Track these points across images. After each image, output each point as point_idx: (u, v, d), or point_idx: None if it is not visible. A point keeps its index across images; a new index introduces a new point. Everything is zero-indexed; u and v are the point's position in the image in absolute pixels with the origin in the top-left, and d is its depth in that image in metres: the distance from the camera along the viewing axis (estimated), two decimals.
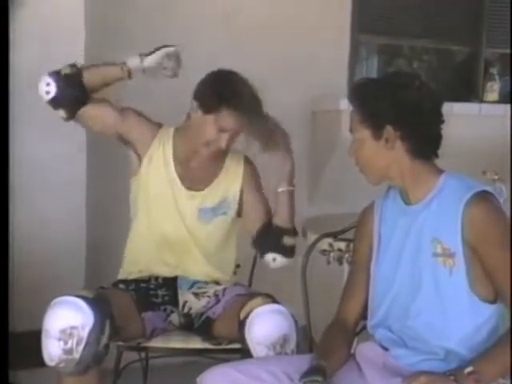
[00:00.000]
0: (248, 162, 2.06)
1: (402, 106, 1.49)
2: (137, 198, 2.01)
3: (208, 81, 1.92)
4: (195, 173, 1.99)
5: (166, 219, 1.98)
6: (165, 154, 1.98)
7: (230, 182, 2.01)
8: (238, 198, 2.02)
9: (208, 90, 1.90)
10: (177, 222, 1.97)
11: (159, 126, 2.03)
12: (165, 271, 2.01)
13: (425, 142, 1.52)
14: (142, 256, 2.02)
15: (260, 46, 3.10)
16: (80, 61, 2.54)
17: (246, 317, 1.77)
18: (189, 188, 1.98)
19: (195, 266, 2.00)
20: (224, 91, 1.86)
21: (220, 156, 2.00)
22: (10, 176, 2.19)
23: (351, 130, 1.57)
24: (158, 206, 1.98)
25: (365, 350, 1.59)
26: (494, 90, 3.49)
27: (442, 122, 1.53)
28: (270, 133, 1.91)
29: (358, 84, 1.63)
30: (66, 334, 1.68)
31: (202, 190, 1.99)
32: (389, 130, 1.49)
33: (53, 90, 1.91)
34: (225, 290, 2.00)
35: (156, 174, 1.97)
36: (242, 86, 1.90)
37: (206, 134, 1.89)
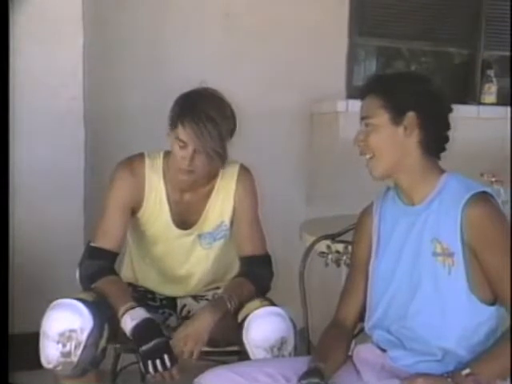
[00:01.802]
0: (242, 175, 1.93)
1: (426, 95, 1.51)
2: (136, 231, 1.97)
3: (174, 101, 1.85)
4: (189, 202, 1.91)
5: (164, 257, 1.95)
6: (158, 194, 1.90)
7: (223, 203, 1.92)
8: (231, 218, 1.94)
9: (172, 107, 1.84)
10: (176, 258, 1.94)
11: (141, 162, 1.90)
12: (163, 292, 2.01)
13: (437, 137, 1.53)
14: (140, 279, 2.01)
15: (258, 47, 3.11)
16: (78, 60, 2.57)
17: (244, 320, 1.76)
18: (183, 226, 1.90)
19: (196, 287, 2.00)
20: (180, 105, 1.81)
21: (212, 172, 1.90)
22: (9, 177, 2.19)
23: (364, 117, 1.54)
24: (156, 244, 1.94)
25: (362, 352, 1.59)
26: (491, 92, 3.49)
27: (450, 126, 1.55)
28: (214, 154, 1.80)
29: (379, 74, 1.64)
30: (65, 336, 1.67)
31: (198, 220, 1.92)
32: (411, 116, 1.49)
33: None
34: None
35: (153, 216, 1.91)
36: (204, 102, 1.79)
37: (175, 155, 1.80)
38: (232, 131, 1.83)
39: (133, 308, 1.74)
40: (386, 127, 1.51)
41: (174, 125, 1.80)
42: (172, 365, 1.66)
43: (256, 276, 1.88)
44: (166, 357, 1.66)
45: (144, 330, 1.70)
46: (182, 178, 1.83)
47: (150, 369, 1.66)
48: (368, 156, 1.54)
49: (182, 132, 1.77)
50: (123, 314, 1.73)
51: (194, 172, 1.81)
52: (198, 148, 1.76)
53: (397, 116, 1.50)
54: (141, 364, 1.68)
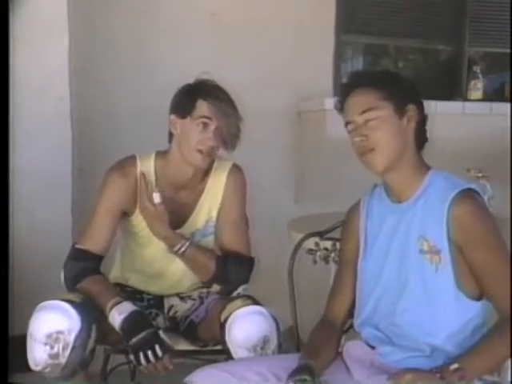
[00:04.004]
0: (233, 172, 1.95)
1: (416, 89, 1.53)
2: (129, 232, 1.97)
3: (179, 89, 1.90)
4: (182, 200, 1.92)
5: (156, 257, 1.94)
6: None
7: (213, 199, 1.94)
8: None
9: (180, 93, 1.88)
10: (168, 257, 1.92)
11: (132, 165, 1.90)
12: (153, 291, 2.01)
13: (424, 130, 1.55)
14: (131, 280, 2.01)
15: (245, 47, 3.11)
16: (64, 60, 2.55)
17: (226, 320, 1.75)
18: (175, 225, 1.89)
19: (183, 286, 2.00)
20: (196, 87, 1.86)
21: (205, 169, 1.92)
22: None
23: (365, 111, 1.49)
24: (148, 244, 1.94)
25: (352, 349, 1.59)
26: (477, 88, 3.50)
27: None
28: (236, 133, 1.86)
29: (367, 70, 1.66)
30: (52, 338, 1.67)
31: (188, 217, 1.92)
32: (412, 109, 1.50)
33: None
34: (209, 292, 2.00)
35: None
36: (215, 83, 1.87)
37: (192, 138, 1.82)
38: None
39: (119, 302, 1.74)
40: (390, 119, 1.49)
41: (189, 108, 1.82)
42: (163, 354, 1.67)
43: (224, 266, 1.88)
44: (156, 347, 1.67)
45: (132, 323, 1.71)
46: (198, 162, 1.84)
47: (142, 360, 1.67)
48: (366, 150, 1.49)
49: (206, 109, 1.80)
50: (110, 309, 1.73)
51: (212, 154, 1.84)
52: (223, 123, 1.81)
53: (400, 108, 1.49)
54: (132, 356, 1.69)
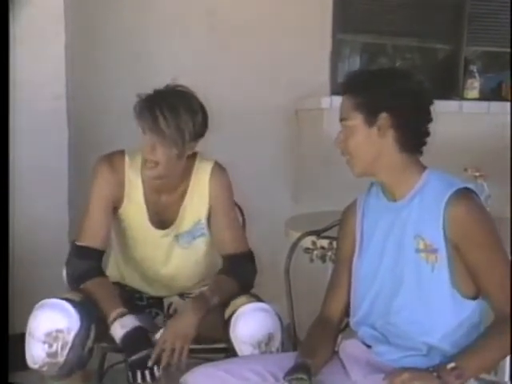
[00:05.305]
0: (216, 173, 1.90)
1: (399, 94, 1.49)
2: (118, 230, 1.95)
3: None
4: (165, 202, 1.90)
5: (145, 257, 1.93)
6: (137, 194, 1.89)
7: (199, 200, 1.90)
8: (208, 216, 1.92)
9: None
10: (157, 259, 1.92)
11: (121, 159, 1.88)
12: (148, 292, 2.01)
13: (415, 134, 1.52)
14: (126, 278, 2.00)
15: (243, 45, 3.11)
16: (61, 59, 2.55)
17: (231, 316, 1.76)
18: (161, 226, 1.89)
19: (181, 286, 1.99)
20: (145, 95, 1.80)
21: (186, 170, 1.89)
22: None
23: (342, 119, 1.54)
24: (137, 245, 1.93)
25: (348, 347, 1.59)
26: (474, 87, 3.52)
27: (431, 119, 1.54)
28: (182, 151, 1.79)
29: (355, 71, 1.64)
30: (52, 337, 1.67)
31: (175, 219, 1.90)
32: (383, 117, 1.48)
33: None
34: None
35: (132, 215, 1.90)
36: (163, 92, 1.79)
37: (142, 145, 1.79)
38: (201, 126, 1.81)
39: (123, 315, 1.73)
40: (360, 129, 1.50)
41: (135, 112, 1.79)
42: (160, 375, 1.67)
43: (239, 273, 1.87)
44: (155, 367, 1.67)
45: (134, 340, 1.70)
46: (147, 171, 1.81)
47: (139, 379, 1.66)
48: (347, 156, 1.54)
49: (138, 120, 1.77)
50: (113, 320, 1.72)
51: (159, 164, 1.78)
52: (151, 135, 1.75)
53: (370, 117, 1.49)
54: (129, 373, 1.68)
